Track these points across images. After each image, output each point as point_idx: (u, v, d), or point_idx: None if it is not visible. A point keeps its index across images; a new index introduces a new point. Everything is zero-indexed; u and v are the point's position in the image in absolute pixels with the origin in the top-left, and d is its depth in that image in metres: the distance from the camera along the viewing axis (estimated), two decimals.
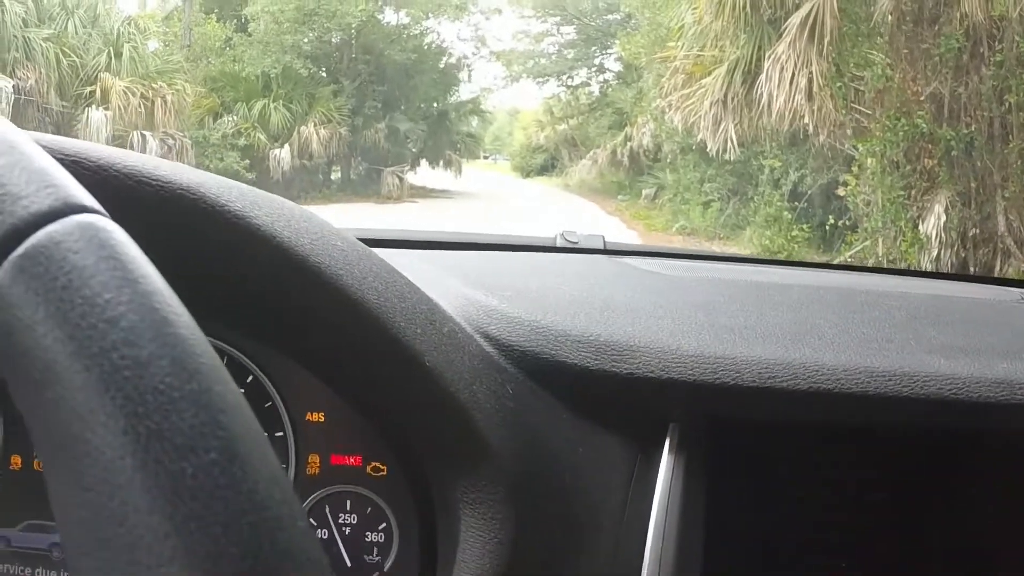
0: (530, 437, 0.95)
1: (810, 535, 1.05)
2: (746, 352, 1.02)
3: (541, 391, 1.00)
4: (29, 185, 0.47)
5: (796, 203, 16.44)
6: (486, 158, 52.89)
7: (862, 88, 12.16)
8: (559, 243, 1.73)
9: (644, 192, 26.32)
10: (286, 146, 24.69)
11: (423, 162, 32.13)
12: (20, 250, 0.44)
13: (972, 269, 10.75)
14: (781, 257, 14.05)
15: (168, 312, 0.45)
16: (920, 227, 11.01)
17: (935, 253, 10.76)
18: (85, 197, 0.48)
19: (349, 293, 0.83)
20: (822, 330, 1.10)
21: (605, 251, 1.70)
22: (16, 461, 1.01)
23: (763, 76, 12.88)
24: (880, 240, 11.67)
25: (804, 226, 15.74)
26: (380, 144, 28.37)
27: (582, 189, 31.74)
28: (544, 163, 41.90)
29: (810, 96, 12.25)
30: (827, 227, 14.16)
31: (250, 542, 0.41)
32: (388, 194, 26.90)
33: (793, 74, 12.40)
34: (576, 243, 1.72)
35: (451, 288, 1.10)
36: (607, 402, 1.02)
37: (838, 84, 12.18)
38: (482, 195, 32.29)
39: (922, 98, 11.21)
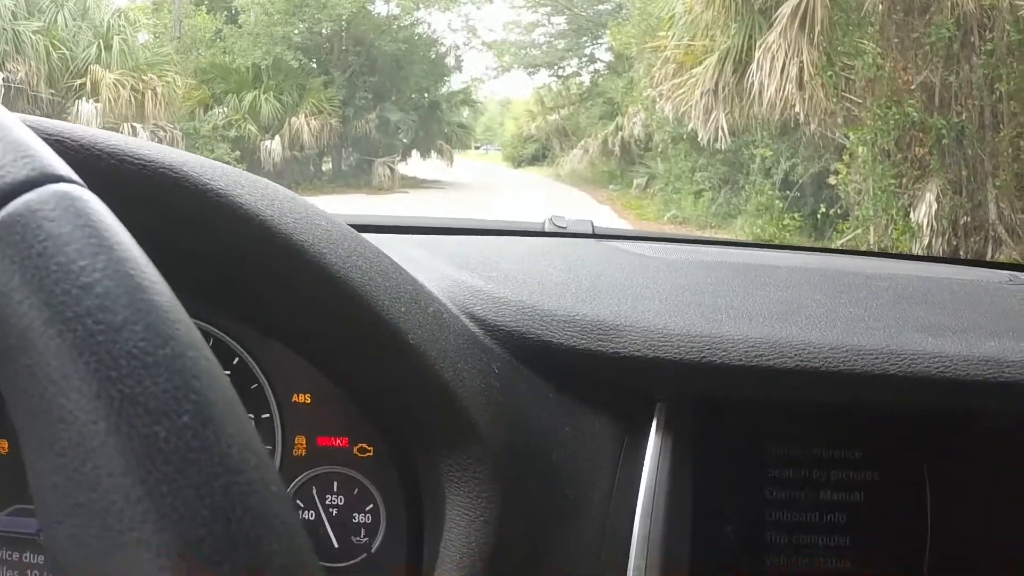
0: (516, 416, 0.95)
1: (798, 513, 1.05)
2: (733, 331, 1.01)
3: (527, 371, 1.00)
4: (6, 155, 0.47)
5: (787, 192, 16.43)
6: (477, 148, 52.88)
7: (853, 77, 12.16)
8: (547, 228, 1.72)
9: (635, 182, 26.30)
10: (277, 137, 24.68)
11: (414, 152, 32.06)
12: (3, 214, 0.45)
13: (963, 257, 10.76)
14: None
15: (142, 278, 0.45)
16: (911, 215, 11.02)
17: (926, 241, 10.76)
18: (62, 167, 0.49)
19: (333, 271, 0.83)
20: (809, 309, 1.09)
21: (593, 235, 1.70)
22: (2, 445, 1.01)
23: (754, 65, 12.90)
24: (871, 228, 11.67)
25: (795, 215, 15.73)
26: (371, 135, 28.33)
27: (573, 179, 31.70)
28: (535, 153, 41.91)
29: (801, 85, 12.26)
30: (818, 216, 14.16)
31: (222, 505, 0.42)
32: (379, 185, 26.83)
33: (784, 63, 12.41)
34: (564, 227, 1.72)
35: (437, 270, 1.10)
36: (594, 381, 1.02)
37: (829, 73, 12.18)
38: (473, 185, 32.27)
39: (913, 87, 11.22)
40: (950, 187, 10.93)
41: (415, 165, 32.09)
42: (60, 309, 0.43)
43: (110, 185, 0.53)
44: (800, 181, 16.32)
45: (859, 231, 12.03)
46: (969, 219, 10.87)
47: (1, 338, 0.43)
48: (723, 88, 14.17)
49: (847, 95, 12.32)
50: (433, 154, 32.31)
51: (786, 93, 12.45)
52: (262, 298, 0.90)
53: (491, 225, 1.78)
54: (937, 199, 10.78)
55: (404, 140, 30.94)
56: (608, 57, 34.51)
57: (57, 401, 0.42)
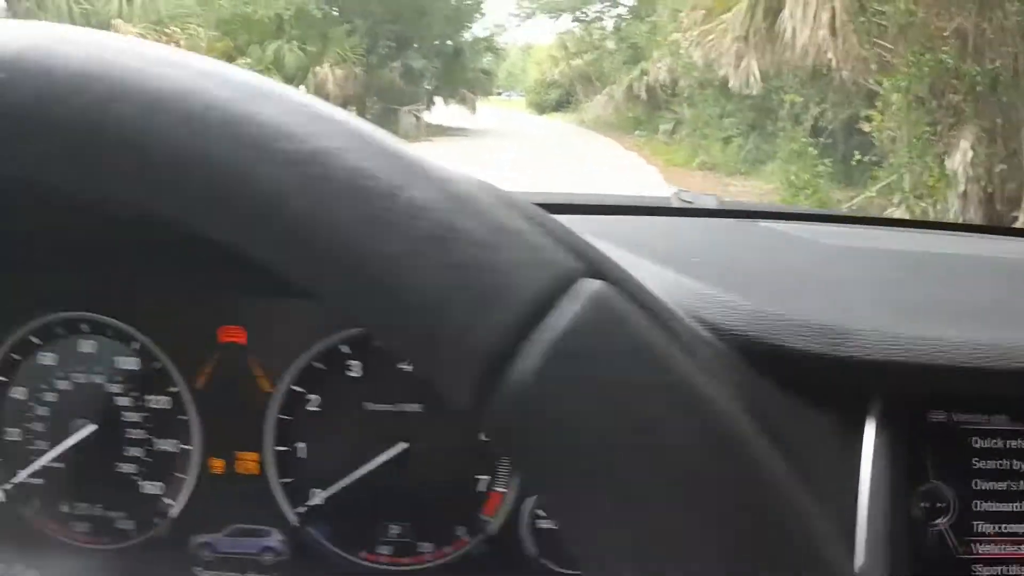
0: (755, 422, 0.98)
1: (1004, 503, 1.09)
2: (957, 333, 1.04)
3: (753, 373, 1.03)
4: (554, 250, 0.42)
5: (817, 138, 16.28)
6: (499, 94, 52.54)
7: (885, 23, 12.06)
8: (674, 203, 1.73)
9: (662, 127, 26.14)
10: (302, 87, 24.43)
11: (437, 100, 31.87)
12: (550, 328, 0.39)
13: (999, 204, 10.72)
14: (808, 194, 13.94)
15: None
16: (947, 162, 10.94)
17: (962, 188, 10.69)
18: (603, 260, 0.44)
19: None
20: (1009, 306, 1.14)
21: (720, 212, 1.71)
22: (217, 465, 1.03)
23: (785, 12, 12.84)
24: (907, 175, 11.60)
25: (827, 161, 15.56)
26: (395, 83, 28.19)
27: (598, 125, 31.51)
28: (559, 99, 41.67)
29: (833, 32, 12.20)
30: (852, 162, 13.99)
31: None
32: (406, 134, 26.54)
33: (816, 10, 12.36)
34: (691, 203, 1.73)
35: (640, 265, 1.12)
36: (813, 381, 1.05)
37: (861, 19, 12.11)
38: (500, 132, 32.12)
39: (946, 33, 11.12)
40: (985, 135, 10.85)
41: (438, 113, 31.89)
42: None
43: None
44: (830, 127, 16.21)
45: (894, 178, 11.95)
46: (1004, 167, 10.80)
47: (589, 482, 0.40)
48: (754, 34, 14.12)
49: (880, 41, 12.24)
50: (456, 101, 32.13)
51: (819, 39, 12.40)
52: None
53: (621, 201, 1.78)
54: (972, 147, 10.69)
55: (428, 87, 30.74)
56: (631, 1, 34.27)
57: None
